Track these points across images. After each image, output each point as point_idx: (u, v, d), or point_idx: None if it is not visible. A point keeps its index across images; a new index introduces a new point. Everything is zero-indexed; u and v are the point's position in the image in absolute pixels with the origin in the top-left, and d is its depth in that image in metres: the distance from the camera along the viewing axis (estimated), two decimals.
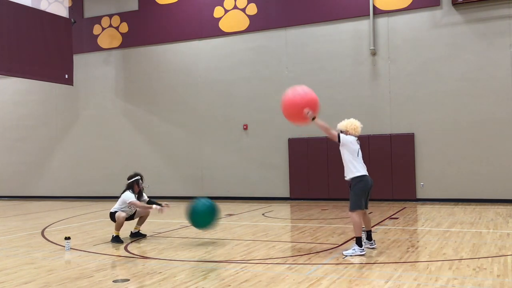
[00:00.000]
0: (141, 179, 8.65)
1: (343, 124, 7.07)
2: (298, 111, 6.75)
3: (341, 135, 6.93)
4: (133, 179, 8.56)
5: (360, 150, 7.02)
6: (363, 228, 7.07)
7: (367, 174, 6.97)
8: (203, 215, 8.02)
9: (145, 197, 8.72)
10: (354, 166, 6.88)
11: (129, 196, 8.39)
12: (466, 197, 13.10)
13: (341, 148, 6.98)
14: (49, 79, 15.40)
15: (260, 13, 15.43)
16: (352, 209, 6.86)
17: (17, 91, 19.09)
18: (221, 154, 15.97)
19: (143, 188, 8.69)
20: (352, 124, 7.04)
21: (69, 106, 18.32)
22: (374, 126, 13.89)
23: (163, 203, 8.49)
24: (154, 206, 8.35)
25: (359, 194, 6.84)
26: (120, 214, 8.32)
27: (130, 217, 8.65)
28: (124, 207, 8.43)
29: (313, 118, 6.73)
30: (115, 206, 8.49)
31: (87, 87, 17.87)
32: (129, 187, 8.51)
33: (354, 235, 7.06)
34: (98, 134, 17.76)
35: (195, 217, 8.03)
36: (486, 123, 13.04)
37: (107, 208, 14.20)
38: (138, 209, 8.56)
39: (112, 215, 8.48)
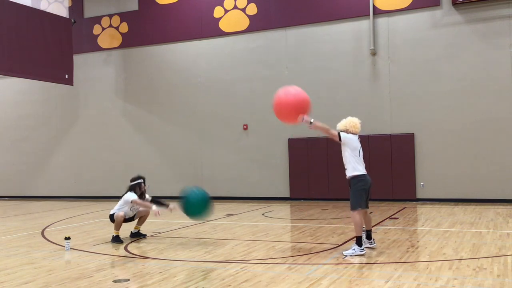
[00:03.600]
0: (144, 182, 8.59)
1: (342, 124, 7.04)
2: (290, 111, 6.71)
3: (342, 133, 6.92)
4: (136, 182, 8.50)
5: (361, 148, 7.03)
6: (363, 228, 7.07)
7: (366, 173, 6.98)
8: (197, 205, 7.80)
9: (147, 197, 8.68)
10: (355, 165, 6.88)
11: (131, 195, 8.35)
12: (466, 197, 13.09)
13: (342, 147, 6.97)
14: (49, 79, 15.39)
15: (260, 13, 15.42)
16: (353, 208, 6.87)
17: (17, 91, 19.09)
18: (221, 154, 15.97)
19: (145, 190, 8.64)
20: (351, 122, 7.00)
21: (69, 106, 18.32)
22: (374, 126, 13.89)
23: (171, 204, 8.33)
24: (154, 207, 8.30)
25: (359, 193, 6.84)
26: (119, 213, 8.30)
27: (130, 219, 8.62)
28: (124, 207, 8.41)
29: (310, 122, 6.67)
30: (115, 207, 8.47)
31: (87, 87, 17.87)
32: (131, 189, 8.45)
33: (354, 235, 7.06)
34: (98, 134, 17.76)
35: (189, 207, 7.80)
36: (486, 123, 13.03)
37: (107, 208, 14.22)
38: (140, 208, 8.53)
39: (112, 217, 8.46)
